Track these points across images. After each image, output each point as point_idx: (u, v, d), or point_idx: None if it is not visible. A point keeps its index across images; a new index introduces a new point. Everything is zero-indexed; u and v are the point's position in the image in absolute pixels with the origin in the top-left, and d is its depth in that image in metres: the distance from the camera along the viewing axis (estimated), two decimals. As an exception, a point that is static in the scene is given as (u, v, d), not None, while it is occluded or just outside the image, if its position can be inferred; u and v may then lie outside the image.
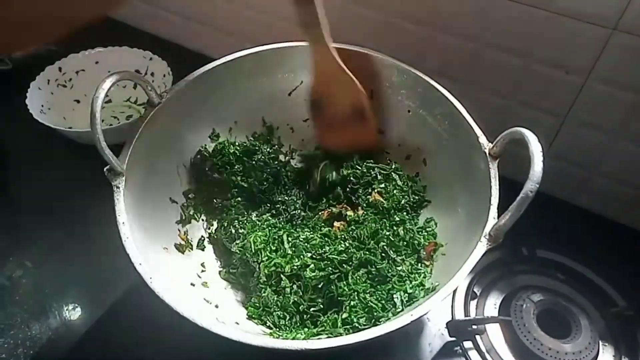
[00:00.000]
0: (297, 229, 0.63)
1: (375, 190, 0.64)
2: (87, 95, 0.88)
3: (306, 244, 0.59)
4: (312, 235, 0.60)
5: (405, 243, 0.59)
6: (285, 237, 0.60)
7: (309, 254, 0.57)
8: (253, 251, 0.58)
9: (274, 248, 0.59)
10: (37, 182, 0.79)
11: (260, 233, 0.60)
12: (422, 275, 0.56)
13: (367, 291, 0.54)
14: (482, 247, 0.46)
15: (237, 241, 0.61)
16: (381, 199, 0.63)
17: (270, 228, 0.61)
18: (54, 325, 0.62)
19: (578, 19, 0.58)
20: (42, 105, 0.81)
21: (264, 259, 0.57)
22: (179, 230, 0.61)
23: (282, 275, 0.56)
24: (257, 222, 0.63)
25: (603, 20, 0.57)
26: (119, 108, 0.89)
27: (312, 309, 0.55)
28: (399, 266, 0.57)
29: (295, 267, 0.56)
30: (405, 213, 0.63)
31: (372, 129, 0.67)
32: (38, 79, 0.82)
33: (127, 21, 1.06)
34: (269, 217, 0.64)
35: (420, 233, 0.61)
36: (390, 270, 0.56)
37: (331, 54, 0.61)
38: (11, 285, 0.66)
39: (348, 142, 0.67)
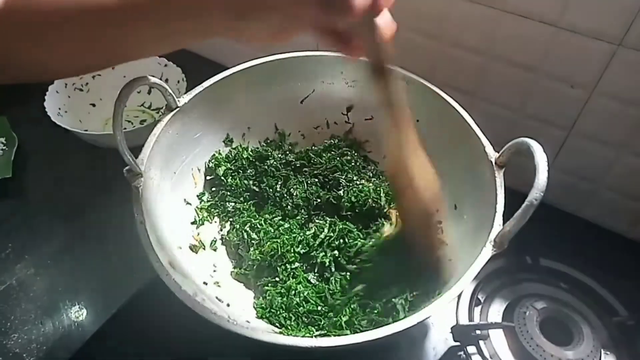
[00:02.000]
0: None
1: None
2: (102, 99, 0.90)
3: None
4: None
5: None
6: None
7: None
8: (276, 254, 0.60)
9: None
10: (53, 182, 0.81)
11: (277, 240, 0.62)
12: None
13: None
14: (487, 252, 0.47)
15: (253, 248, 0.62)
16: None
17: (285, 233, 0.63)
18: (67, 322, 0.63)
19: (584, 35, 0.60)
20: (60, 108, 0.83)
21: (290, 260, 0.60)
22: (192, 231, 0.62)
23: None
24: (270, 227, 0.64)
25: (608, 36, 0.58)
26: (133, 112, 0.91)
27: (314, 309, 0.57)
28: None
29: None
30: None
31: (433, 239, 0.58)
32: (56, 83, 0.85)
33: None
34: (281, 222, 0.66)
35: None
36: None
37: (400, 146, 0.51)
38: (26, 283, 0.67)
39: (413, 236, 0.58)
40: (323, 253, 0.61)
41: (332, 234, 0.61)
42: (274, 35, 0.38)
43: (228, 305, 0.56)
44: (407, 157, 0.51)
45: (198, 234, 0.63)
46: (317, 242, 0.61)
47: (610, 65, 0.60)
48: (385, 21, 0.42)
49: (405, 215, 0.58)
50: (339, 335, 0.52)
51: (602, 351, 0.59)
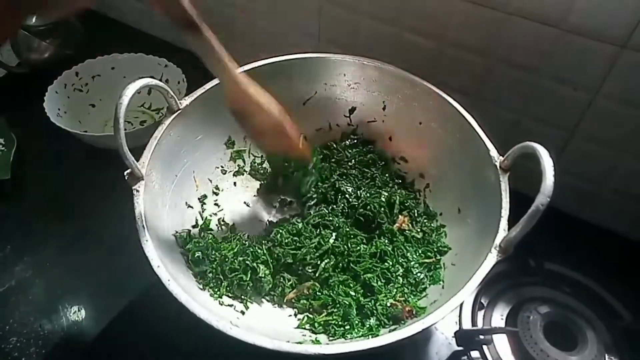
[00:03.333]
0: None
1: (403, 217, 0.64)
2: (102, 100, 0.90)
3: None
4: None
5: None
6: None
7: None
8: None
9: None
10: (52, 183, 0.80)
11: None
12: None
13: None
14: (492, 258, 0.47)
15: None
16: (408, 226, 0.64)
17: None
18: (66, 325, 0.63)
19: (588, 37, 0.59)
20: (59, 109, 0.83)
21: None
22: (194, 234, 0.62)
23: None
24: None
25: (612, 38, 0.58)
26: (133, 113, 0.90)
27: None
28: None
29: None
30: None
31: (296, 145, 0.64)
32: (55, 83, 0.84)
33: (143, 28, 1.08)
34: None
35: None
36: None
37: (236, 82, 0.57)
38: (25, 285, 0.67)
39: (280, 147, 0.64)
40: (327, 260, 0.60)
41: (339, 245, 0.61)
42: None
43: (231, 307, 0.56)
44: (246, 87, 0.58)
45: (200, 237, 0.62)
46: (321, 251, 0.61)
47: (614, 67, 0.60)
48: None
49: (262, 134, 0.62)
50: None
51: (607, 356, 0.58)
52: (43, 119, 0.77)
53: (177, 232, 0.59)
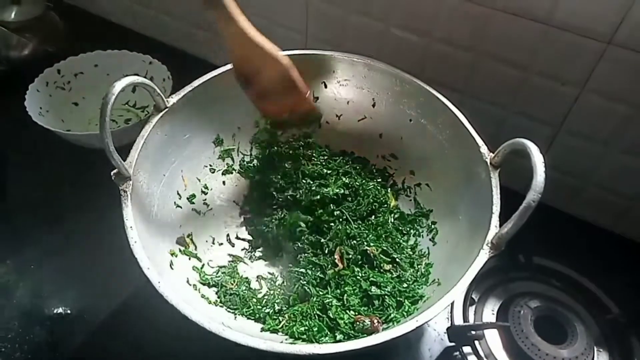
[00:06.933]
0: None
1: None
2: (85, 98, 0.88)
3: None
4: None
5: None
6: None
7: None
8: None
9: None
10: (35, 184, 0.78)
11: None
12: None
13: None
14: (484, 255, 0.47)
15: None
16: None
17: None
18: (53, 329, 0.62)
19: (574, 33, 0.60)
20: (41, 108, 0.81)
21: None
22: (184, 234, 0.61)
23: None
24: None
25: (598, 34, 0.58)
26: (117, 112, 0.88)
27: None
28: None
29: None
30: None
31: (305, 97, 0.63)
32: (37, 81, 0.82)
33: (126, 24, 1.06)
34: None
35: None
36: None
37: (239, 26, 0.56)
38: (9, 289, 0.65)
39: (285, 109, 0.65)
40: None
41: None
42: None
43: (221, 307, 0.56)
44: (254, 35, 0.57)
45: (189, 237, 0.61)
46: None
47: (599, 63, 0.61)
48: None
49: (270, 92, 0.62)
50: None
51: (595, 349, 0.59)
52: (24, 118, 0.75)
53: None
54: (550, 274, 0.66)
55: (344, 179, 0.67)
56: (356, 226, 0.64)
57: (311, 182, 0.67)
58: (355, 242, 0.62)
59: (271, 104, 0.64)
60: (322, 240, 0.63)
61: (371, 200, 0.66)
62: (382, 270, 0.60)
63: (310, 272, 0.60)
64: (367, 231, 0.63)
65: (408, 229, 0.66)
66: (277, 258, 0.66)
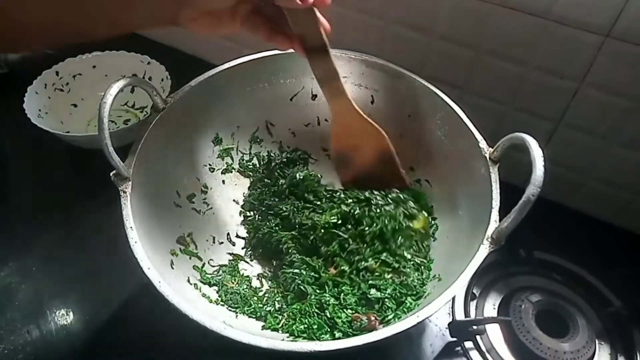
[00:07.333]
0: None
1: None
2: (84, 99, 0.88)
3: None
4: None
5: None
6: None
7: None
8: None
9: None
10: (35, 186, 0.78)
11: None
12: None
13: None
14: (484, 249, 0.47)
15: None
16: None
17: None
18: (55, 330, 0.62)
19: (572, 27, 0.60)
20: (40, 110, 0.81)
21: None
22: (184, 233, 0.61)
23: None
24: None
25: (596, 27, 0.58)
26: (116, 112, 0.88)
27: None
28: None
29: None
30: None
31: (399, 170, 0.65)
32: (35, 83, 0.82)
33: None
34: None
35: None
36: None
37: (352, 105, 0.59)
38: (11, 291, 0.65)
39: (375, 185, 0.64)
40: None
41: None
42: (211, 23, 0.47)
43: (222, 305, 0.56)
44: (359, 110, 0.60)
45: (189, 236, 0.61)
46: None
47: (598, 56, 0.60)
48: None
49: (369, 167, 0.65)
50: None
51: (597, 342, 0.59)
52: (24, 120, 0.75)
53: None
54: (551, 268, 0.66)
55: (342, 207, 0.62)
56: (355, 244, 0.60)
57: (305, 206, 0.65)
58: (352, 257, 0.60)
59: (361, 181, 0.65)
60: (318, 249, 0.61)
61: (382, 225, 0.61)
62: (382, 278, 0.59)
63: (304, 272, 0.59)
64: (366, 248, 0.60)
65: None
66: (273, 258, 0.65)
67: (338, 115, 0.61)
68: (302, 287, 0.58)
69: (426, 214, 0.63)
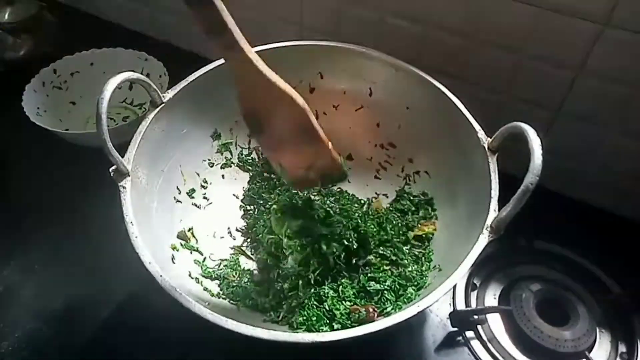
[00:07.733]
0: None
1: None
2: (82, 97, 0.88)
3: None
4: None
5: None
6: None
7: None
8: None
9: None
10: (35, 184, 0.78)
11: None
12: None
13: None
14: (484, 239, 0.47)
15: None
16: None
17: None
18: (58, 327, 0.62)
19: (570, 15, 0.59)
20: (38, 108, 0.81)
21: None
22: (184, 228, 0.61)
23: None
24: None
25: (594, 15, 0.58)
26: (115, 109, 0.88)
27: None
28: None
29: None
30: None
31: (327, 149, 0.56)
32: (33, 82, 0.82)
33: (121, 22, 1.06)
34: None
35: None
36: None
37: (253, 64, 0.49)
38: (14, 289, 0.66)
39: (305, 164, 0.57)
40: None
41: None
42: None
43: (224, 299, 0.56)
44: (265, 70, 0.50)
45: (190, 231, 0.61)
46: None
47: (596, 45, 0.60)
48: None
49: (284, 139, 0.55)
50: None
51: (598, 329, 0.60)
52: (22, 119, 0.75)
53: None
54: (551, 257, 0.67)
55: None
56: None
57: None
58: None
59: (287, 155, 0.57)
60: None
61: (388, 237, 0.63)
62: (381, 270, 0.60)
63: (301, 267, 0.59)
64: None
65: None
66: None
67: (240, 77, 0.51)
68: (299, 281, 0.58)
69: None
